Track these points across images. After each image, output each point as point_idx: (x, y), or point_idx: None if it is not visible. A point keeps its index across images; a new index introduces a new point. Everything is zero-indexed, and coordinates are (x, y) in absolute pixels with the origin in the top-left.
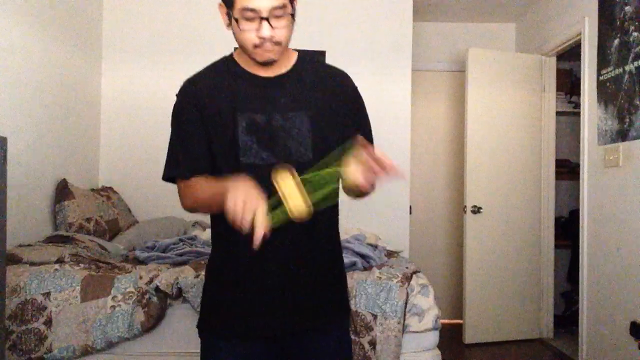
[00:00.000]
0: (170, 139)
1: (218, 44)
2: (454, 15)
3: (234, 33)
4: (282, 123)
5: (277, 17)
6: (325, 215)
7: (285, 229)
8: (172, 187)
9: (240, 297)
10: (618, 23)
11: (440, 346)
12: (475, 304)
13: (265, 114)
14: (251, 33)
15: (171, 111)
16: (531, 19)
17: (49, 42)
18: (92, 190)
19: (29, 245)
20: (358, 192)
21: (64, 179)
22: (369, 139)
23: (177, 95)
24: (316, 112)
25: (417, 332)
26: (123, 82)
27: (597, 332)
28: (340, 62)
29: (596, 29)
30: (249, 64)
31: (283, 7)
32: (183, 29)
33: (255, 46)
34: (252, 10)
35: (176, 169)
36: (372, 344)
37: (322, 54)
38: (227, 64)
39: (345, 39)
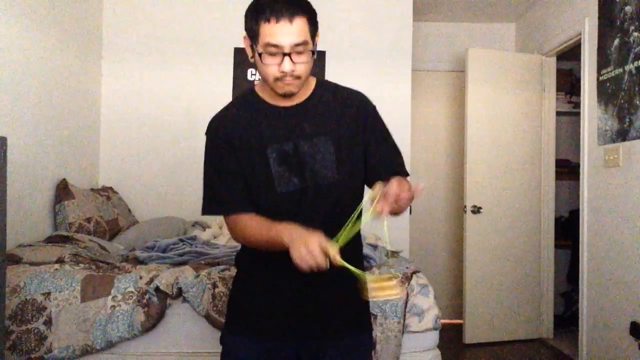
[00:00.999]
0: (207, 177)
1: (218, 44)
2: (454, 15)
3: (256, 66)
4: (307, 149)
5: (299, 53)
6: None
7: None
8: (172, 187)
9: (262, 298)
10: (618, 23)
11: (440, 346)
12: (475, 304)
13: (292, 142)
14: (273, 67)
15: (202, 146)
16: (531, 19)
17: (49, 42)
18: (92, 190)
19: (29, 245)
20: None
21: (64, 179)
22: (395, 152)
23: (206, 134)
24: (338, 134)
25: (417, 332)
26: (123, 82)
27: (597, 332)
28: (340, 62)
29: (596, 29)
30: (270, 96)
31: (304, 43)
32: (183, 29)
33: (277, 79)
34: (275, 46)
35: (221, 207)
36: (372, 344)
37: (322, 54)
38: (249, 99)
39: (346, 39)
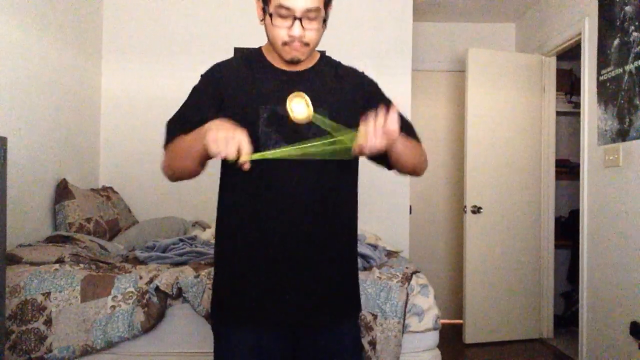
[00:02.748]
0: (177, 111)
1: (218, 44)
2: (454, 15)
3: (265, 28)
4: None
5: (310, 19)
6: (344, 209)
7: (303, 222)
8: (172, 187)
9: (254, 287)
10: (618, 23)
11: (440, 346)
12: (475, 304)
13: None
14: (282, 30)
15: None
16: (531, 19)
17: (49, 42)
18: (92, 190)
19: (29, 245)
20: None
21: (64, 179)
22: (402, 119)
23: (201, 75)
24: (335, 106)
25: (417, 332)
26: (123, 82)
27: (597, 332)
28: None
29: (596, 29)
30: (274, 59)
31: (317, 10)
32: (183, 29)
33: (284, 43)
34: (287, 8)
35: (167, 136)
36: (372, 344)
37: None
38: (254, 56)
39: (346, 38)
